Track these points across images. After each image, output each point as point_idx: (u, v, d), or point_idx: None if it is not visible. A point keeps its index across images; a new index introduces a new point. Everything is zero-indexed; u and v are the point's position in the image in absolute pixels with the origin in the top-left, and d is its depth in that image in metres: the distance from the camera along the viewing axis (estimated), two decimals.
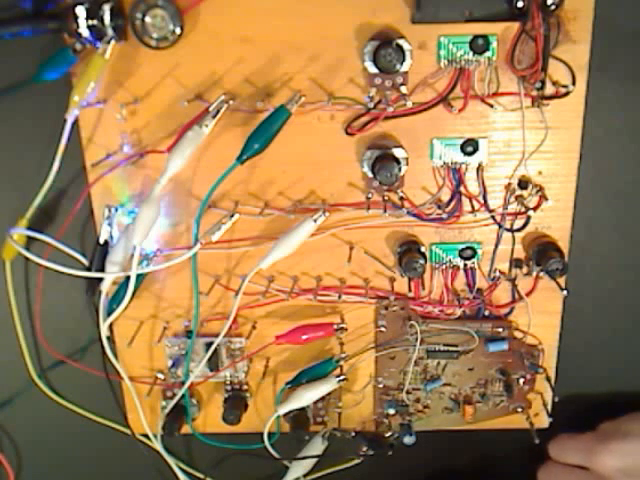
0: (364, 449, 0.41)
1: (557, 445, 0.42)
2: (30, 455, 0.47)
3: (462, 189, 0.37)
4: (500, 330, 0.40)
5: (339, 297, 0.38)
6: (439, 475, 0.46)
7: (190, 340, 0.39)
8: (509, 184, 0.37)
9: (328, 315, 0.40)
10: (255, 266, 0.36)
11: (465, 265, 0.39)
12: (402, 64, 0.33)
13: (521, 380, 0.41)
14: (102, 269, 0.36)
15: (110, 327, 0.39)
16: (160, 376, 0.42)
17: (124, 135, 0.36)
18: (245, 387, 0.42)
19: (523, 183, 0.37)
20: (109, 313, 0.37)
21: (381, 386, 0.42)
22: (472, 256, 0.39)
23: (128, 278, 0.35)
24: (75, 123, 0.35)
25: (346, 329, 0.39)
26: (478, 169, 0.37)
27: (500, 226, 0.38)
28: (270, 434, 0.40)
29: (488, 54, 0.34)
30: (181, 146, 0.34)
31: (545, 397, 0.42)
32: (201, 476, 0.46)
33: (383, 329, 0.40)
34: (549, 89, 0.34)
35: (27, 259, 0.37)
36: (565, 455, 0.41)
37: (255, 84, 0.35)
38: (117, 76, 0.35)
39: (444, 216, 0.37)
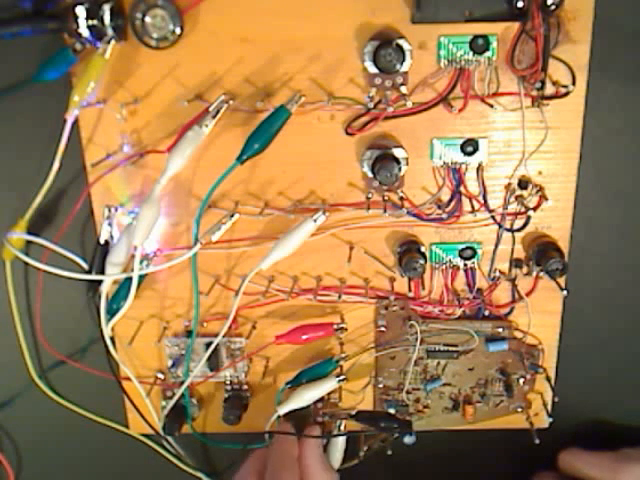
0: (382, 425, 0.40)
1: (571, 457, 0.42)
2: (30, 455, 0.47)
3: (462, 189, 0.37)
4: (500, 330, 0.40)
5: (339, 297, 0.38)
6: (439, 475, 0.46)
7: (190, 340, 0.39)
8: (509, 184, 0.37)
9: (328, 315, 0.40)
10: (255, 266, 0.36)
11: (465, 265, 0.39)
12: (402, 64, 0.33)
13: (521, 380, 0.41)
14: (102, 269, 0.36)
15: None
16: (160, 376, 0.42)
17: (124, 135, 0.36)
18: (245, 387, 0.42)
19: (523, 183, 0.37)
20: (109, 313, 0.37)
21: (381, 386, 0.42)
22: (472, 256, 0.39)
23: (129, 278, 0.35)
24: (75, 123, 0.35)
25: (346, 329, 0.39)
26: (478, 169, 0.37)
27: (500, 226, 0.38)
28: (270, 434, 0.40)
29: (488, 54, 0.34)
30: (181, 146, 0.34)
31: (545, 397, 0.42)
32: (201, 476, 0.45)
33: (383, 329, 0.40)
34: (549, 89, 0.34)
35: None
36: (579, 467, 0.41)
37: (255, 84, 0.35)
38: (117, 76, 0.35)
39: (444, 216, 0.37)
